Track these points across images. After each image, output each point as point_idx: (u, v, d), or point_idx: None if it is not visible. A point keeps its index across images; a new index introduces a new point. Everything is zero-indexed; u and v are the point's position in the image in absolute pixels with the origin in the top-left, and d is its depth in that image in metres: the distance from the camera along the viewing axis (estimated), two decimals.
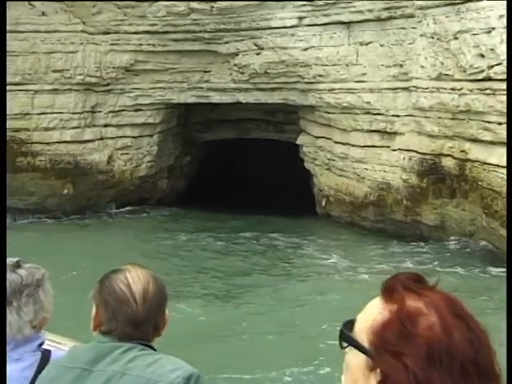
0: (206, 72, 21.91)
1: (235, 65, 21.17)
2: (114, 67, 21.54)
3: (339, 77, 19.36)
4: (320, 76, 19.70)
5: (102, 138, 22.22)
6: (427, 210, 17.19)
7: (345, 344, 1.35)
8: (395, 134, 18.63)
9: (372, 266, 15.63)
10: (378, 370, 1.28)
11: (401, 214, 18.49)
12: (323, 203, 22.07)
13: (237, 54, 20.96)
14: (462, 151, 16.18)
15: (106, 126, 22.27)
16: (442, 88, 16.22)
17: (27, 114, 20.99)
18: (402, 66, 17.97)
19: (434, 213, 16.99)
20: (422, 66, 16.82)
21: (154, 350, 2.34)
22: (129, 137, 22.66)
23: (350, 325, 1.36)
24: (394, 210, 18.71)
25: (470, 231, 16.08)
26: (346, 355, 1.36)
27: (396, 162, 18.43)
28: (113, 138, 22.39)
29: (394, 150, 18.61)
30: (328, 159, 21.11)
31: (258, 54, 20.57)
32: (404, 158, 18.00)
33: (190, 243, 18.66)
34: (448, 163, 16.67)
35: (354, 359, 1.32)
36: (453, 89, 15.91)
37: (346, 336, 1.35)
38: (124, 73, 21.80)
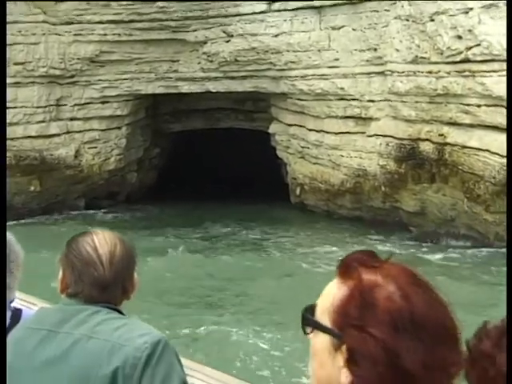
0: (173, 61, 21.32)
1: (204, 53, 20.63)
2: (78, 58, 20.85)
3: (311, 63, 18.95)
4: (292, 62, 19.26)
5: (68, 132, 21.53)
6: (407, 196, 16.90)
7: (308, 329, 1.33)
8: (370, 119, 18.29)
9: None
10: (344, 348, 1.27)
11: (379, 200, 18.19)
12: (297, 192, 21.70)
13: (205, 42, 20.43)
14: (441, 135, 15.91)
15: (72, 119, 21.58)
16: (419, 71, 15.91)
17: None
18: (375, 49, 17.61)
19: (413, 199, 16.70)
20: (397, 50, 16.48)
21: (122, 313, 2.31)
22: (96, 130, 22.00)
23: (311, 309, 1.34)
24: (371, 197, 18.40)
25: (452, 216, 15.81)
26: (310, 341, 1.33)
27: (372, 148, 18.10)
28: (80, 131, 21.71)
29: (370, 136, 18.27)
30: (302, 147, 20.71)
31: (227, 42, 20.06)
32: (381, 144, 17.67)
33: (164, 243, 18.10)
34: (426, 148, 16.38)
35: (319, 342, 1.31)
36: (430, 72, 15.61)
37: (308, 319, 1.33)
38: (89, 64, 21.12)
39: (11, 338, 2.32)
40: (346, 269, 1.33)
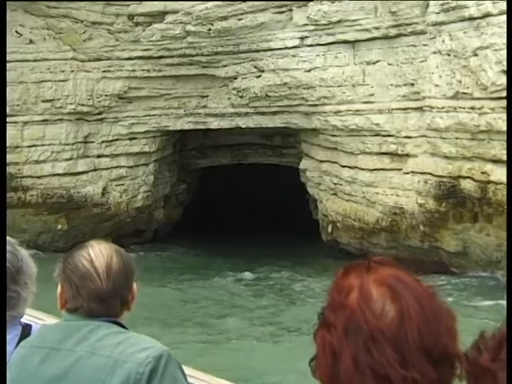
0: (203, 97, 21.00)
1: (234, 88, 20.28)
2: (106, 95, 20.56)
3: (345, 98, 18.53)
4: (325, 98, 18.85)
5: (95, 169, 21.19)
6: (447, 235, 16.32)
7: None
8: (407, 156, 17.79)
9: None
10: None
11: (417, 239, 17.61)
12: (329, 229, 21.15)
13: (235, 78, 20.09)
14: (483, 173, 15.36)
15: (99, 156, 21.25)
16: (460, 107, 15.42)
17: (17, 146, 19.95)
18: (413, 84, 17.17)
19: (455, 238, 16.12)
20: (436, 85, 16.02)
21: (124, 327, 2.28)
22: (123, 167, 21.64)
23: None
24: (409, 236, 17.82)
25: (497, 257, 15.21)
26: None
27: (409, 185, 17.57)
28: (107, 168, 21.37)
29: (407, 173, 17.76)
30: (334, 184, 20.21)
31: (258, 77, 19.70)
32: (419, 182, 17.14)
33: (191, 284, 17.54)
34: (468, 186, 15.84)
35: None
36: (472, 108, 15.12)
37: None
38: (117, 100, 20.83)
39: (15, 356, 2.32)
40: (346, 269, 1.40)
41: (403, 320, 1.30)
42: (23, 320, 2.80)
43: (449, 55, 15.30)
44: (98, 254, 2.28)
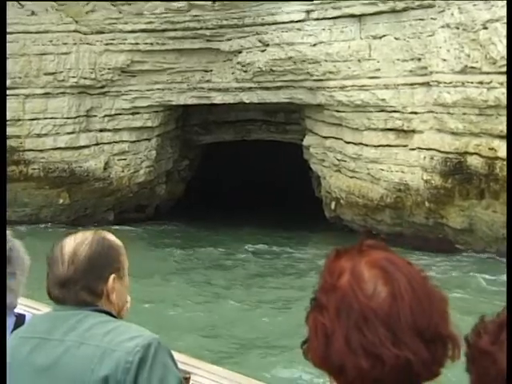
0: (207, 71, 20.76)
1: (238, 63, 20.04)
2: (109, 68, 20.33)
3: (351, 73, 18.30)
4: (330, 73, 18.62)
5: (97, 144, 21.00)
6: (453, 212, 16.16)
7: None
8: (413, 132, 17.60)
9: None
10: None
11: (422, 216, 17.46)
12: (332, 206, 21.00)
13: (240, 52, 19.84)
14: (491, 149, 15.19)
15: (101, 130, 21.05)
16: (468, 82, 15.21)
17: (18, 119, 19.75)
18: (420, 59, 16.94)
19: (461, 215, 15.96)
20: (444, 59, 15.79)
21: (113, 316, 2.25)
22: (126, 141, 21.46)
23: None
24: (413, 213, 17.67)
25: (503, 234, 15.06)
26: None
27: (415, 161, 17.39)
28: (109, 143, 21.18)
29: (413, 149, 17.57)
30: (338, 160, 20.02)
31: (262, 51, 19.45)
32: (424, 158, 16.96)
33: (192, 257, 17.44)
34: (474, 162, 15.66)
35: None
36: (480, 82, 14.91)
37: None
38: (120, 74, 20.60)
39: (7, 346, 2.32)
40: (337, 252, 1.39)
41: (395, 300, 1.30)
42: (18, 310, 2.80)
43: (457, 28, 15.06)
44: (71, 241, 2.28)
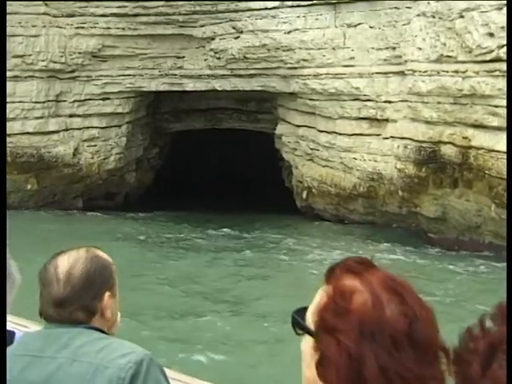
0: (179, 58, 20.53)
1: (211, 49, 19.85)
2: (79, 52, 19.98)
3: (325, 61, 18.23)
4: (304, 61, 18.53)
5: (67, 129, 20.65)
6: (427, 201, 16.19)
7: (299, 330, 1.37)
8: (386, 121, 17.61)
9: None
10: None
11: (395, 205, 17.48)
12: (304, 195, 20.96)
13: (213, 38, 19.65)
14: (465, 138, 15.22)
15: (71, 116, 20.71)
16: (443, 71, 15.22)
17: None
18: (394, 48, 16.94)
19: (434, 204, 15.99)
20: (419, 48, 15.78)
21: (105, 333, 2.25)
22: (96, 127, 21.13)
23: (302, 311, 1.39)
24: (386, 202, 17.69)
25: (477, 223, 15.12)
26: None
27: (388, 150, 17.40)
28: (79, 128, 20.84)
29: (386, 138, 17.58)
30: (311, 149, 19.97)
31: (236, 38, 19.29)
32: (398, 147, 16.96)
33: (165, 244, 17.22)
34: (448, 151, 15.70)
35: (306, 343, 1.35)
36: (456, 71, 14.93)
37: (296, 321, 1.38)
38: (91, 59, 20.26)
39: None
40: (330, 274, 1.36)
41: (413, 320, 1.29)
42: (7, 327, 2.70)
43: (433, 17, 15.06)
44: (65, 260, 2.27)
